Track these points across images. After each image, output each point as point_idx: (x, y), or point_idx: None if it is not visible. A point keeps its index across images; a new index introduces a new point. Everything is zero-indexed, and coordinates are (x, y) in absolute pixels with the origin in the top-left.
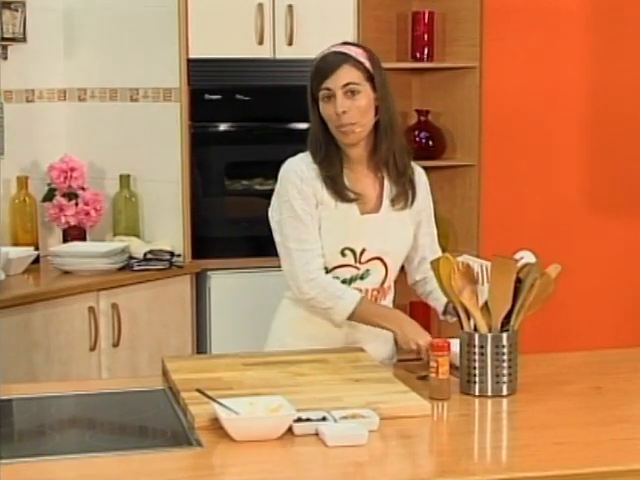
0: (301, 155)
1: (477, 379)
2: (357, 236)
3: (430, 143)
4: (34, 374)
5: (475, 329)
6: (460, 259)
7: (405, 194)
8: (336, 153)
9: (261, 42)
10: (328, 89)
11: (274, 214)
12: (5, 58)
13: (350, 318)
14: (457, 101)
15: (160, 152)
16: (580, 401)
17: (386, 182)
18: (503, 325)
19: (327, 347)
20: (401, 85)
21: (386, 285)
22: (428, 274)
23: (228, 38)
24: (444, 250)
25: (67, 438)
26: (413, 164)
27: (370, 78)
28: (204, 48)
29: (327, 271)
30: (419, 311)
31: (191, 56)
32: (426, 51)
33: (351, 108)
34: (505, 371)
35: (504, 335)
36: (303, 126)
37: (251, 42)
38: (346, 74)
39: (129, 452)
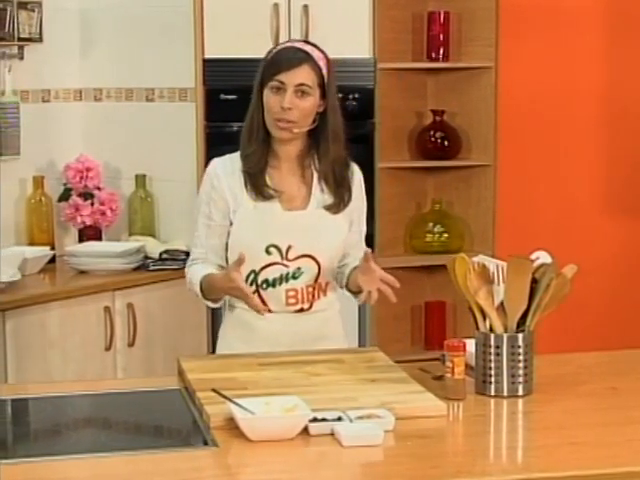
0: (230, 155)
1: (493, 379)
2: (281, 232)
3: (445, 143)
4: (50, 374)
5: (491, 329)
6: (476, 259)
7: (342, 202)
8: (265, 149)
9: (276, 42)
10: (281, 82)
11: None
12: (21, 58)
13: (207, 298)
14: (473, 101)
15: (176, 152)
16: (596, 402)
17: (315, 182)
18: (519, 325)
19: (272, 350)
20: (416, 85)
21: (321, 281)
22: (346, 269)
23: (243, 38)
24: (459, 250)
25: (82, 438)
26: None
27: (321, 85)
28: (219, 48)
29: (256, 273)
30: (434, 311)
31: (206, 56)
32: (442, 51)
33: (297, 107)
34: (521, 371)
35: (520, 335)
36: None
37: (267, 42)
38: (303, 74)
39: (144, 452)
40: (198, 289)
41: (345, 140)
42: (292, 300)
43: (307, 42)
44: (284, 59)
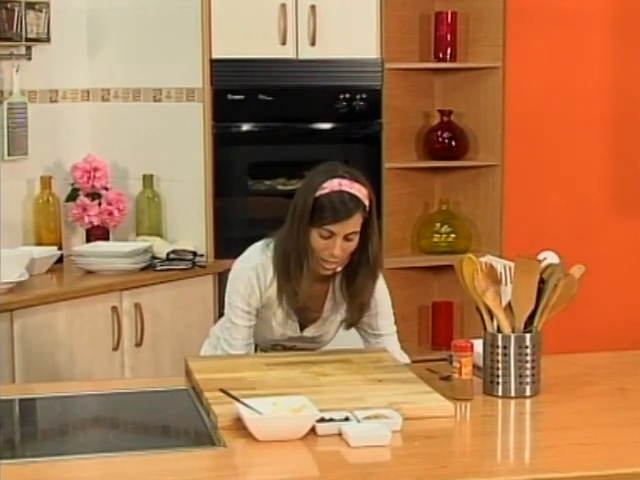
0: (261, 252)
1: (500, 380)
2: (290, 340)
3: (453, 143)
4: (57, 373)
5: (498, 330)
6: (483, 259)
7: (354, 317)
8: (300, 274)
9: (284, 42)
10: (332, 232)
11: (227, 294)
12: (29, 58)
13: None
14: (480, 101)
15: (183, 152)
16: (604, 402)
17: (330, 291)
18: (526, 326)
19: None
20: (424, 85)
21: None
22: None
23: (251, 38)
24: (467, 251)
25: (90, 437)
26: None
27: (365, 220)
28: (227, 48)
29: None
30: (441, 311)
31: (214, 56)
32: (449, 51)
33: (344, 250)
34: (528, 372)
35: (527, 336)
36: (326, 126)
37: (274, 42)
38: (354, 223)
39: (152, 452)
40: None
41: (380, 266)
42: None
43: (353, 178)
44: (336, 210)
